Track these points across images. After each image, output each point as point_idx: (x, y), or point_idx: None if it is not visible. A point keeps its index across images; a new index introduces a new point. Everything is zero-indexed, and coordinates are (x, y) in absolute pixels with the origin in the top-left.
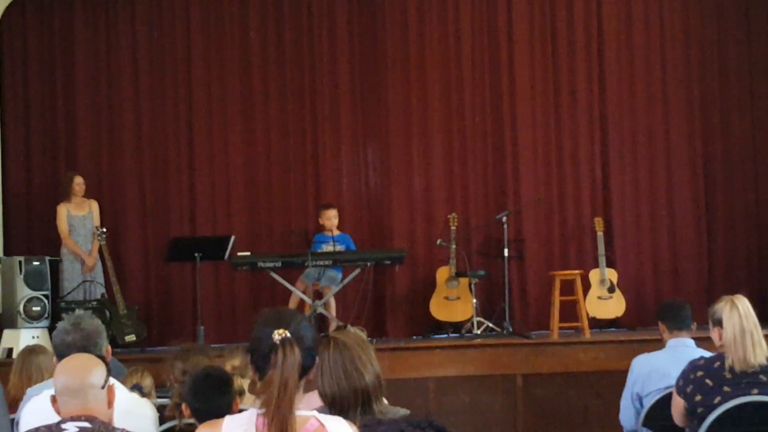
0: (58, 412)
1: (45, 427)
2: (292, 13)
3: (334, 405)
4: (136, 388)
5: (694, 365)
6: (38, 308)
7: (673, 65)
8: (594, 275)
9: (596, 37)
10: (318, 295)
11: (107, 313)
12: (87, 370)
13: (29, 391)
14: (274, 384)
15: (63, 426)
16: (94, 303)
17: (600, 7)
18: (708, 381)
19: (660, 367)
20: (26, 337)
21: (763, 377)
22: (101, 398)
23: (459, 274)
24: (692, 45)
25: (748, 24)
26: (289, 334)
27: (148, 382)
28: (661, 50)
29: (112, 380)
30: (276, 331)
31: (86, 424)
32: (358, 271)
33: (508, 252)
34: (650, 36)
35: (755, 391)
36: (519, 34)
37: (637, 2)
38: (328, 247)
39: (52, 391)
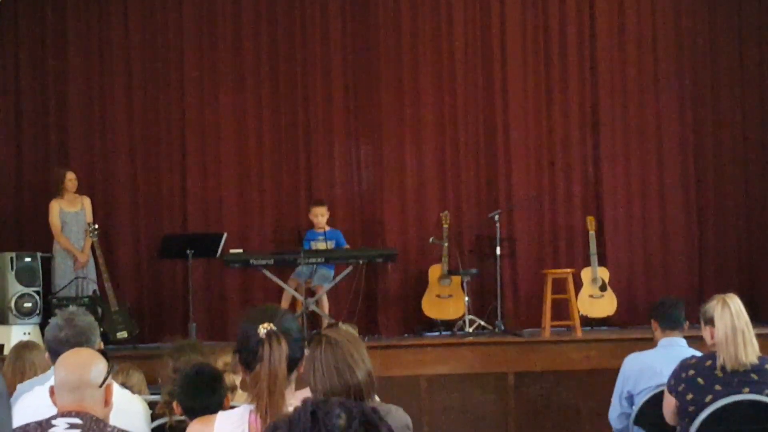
0: (55, 404)
1: (35, 423)
2: (284, 11)
3: None
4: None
5: (685, 364)
6: (29, 304)
7: (665, 64)
8: (586, 274)
9: (588, 37)
10: (310, 293)
11: (99, 310)
12: (87, 367)
13: (20, 387)
14: (263, 377)
15: (53, 422)
16: (86, 300)
17: (592, 7)
18: (699, 380)
19: (651, 366)
20: (17, 333)
21: (754, 376)
22: (98, 397)
23: (451, 272)
24: (684, 43)
25: (740, 25)
26: (274, 327)
27: (134, 379)
28: (654, 49)
29: (110, 379)
30: (261, 326)
31: (77, 420)
32: (350, 268)
33: (500, 250)
34: (642, 35)
35: (746, 389)
36: (512, 33)
37: (630, 3)
38: (318, 244)
39: (42, 388)
